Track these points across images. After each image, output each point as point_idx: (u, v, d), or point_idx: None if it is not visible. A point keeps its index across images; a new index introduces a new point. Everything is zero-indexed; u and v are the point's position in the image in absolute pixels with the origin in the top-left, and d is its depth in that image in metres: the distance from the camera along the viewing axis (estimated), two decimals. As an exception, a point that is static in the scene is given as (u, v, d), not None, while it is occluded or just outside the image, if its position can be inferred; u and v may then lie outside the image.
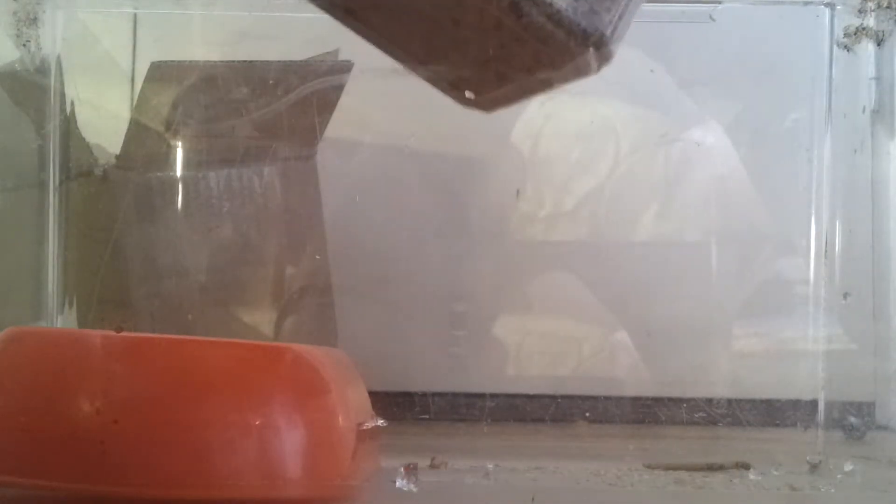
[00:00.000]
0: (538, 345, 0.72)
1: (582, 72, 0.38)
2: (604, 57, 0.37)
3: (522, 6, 0.35)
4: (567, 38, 0.36)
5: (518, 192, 0.71)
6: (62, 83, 0.70)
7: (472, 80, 0.42)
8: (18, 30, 0.69)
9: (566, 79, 0.39)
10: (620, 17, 0.37)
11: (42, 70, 0.69)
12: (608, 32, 0.36)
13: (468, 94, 0.43)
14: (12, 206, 0.70)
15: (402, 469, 0.45)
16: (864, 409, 0.69)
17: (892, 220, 0.70)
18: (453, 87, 0.43)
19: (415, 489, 0.44)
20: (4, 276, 0.69)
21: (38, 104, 0.70)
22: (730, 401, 0.70)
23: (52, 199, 0.69)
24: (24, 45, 0.69)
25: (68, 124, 0.70)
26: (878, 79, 0.70)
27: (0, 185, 0.70)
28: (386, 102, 0.73)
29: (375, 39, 0.42)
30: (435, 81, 0.43)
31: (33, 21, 0.69)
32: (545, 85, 0.41)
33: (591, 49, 0.36)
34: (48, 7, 0.69)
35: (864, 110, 0.70)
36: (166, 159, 0.69)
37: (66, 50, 0.70)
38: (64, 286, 0.69)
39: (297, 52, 0.69)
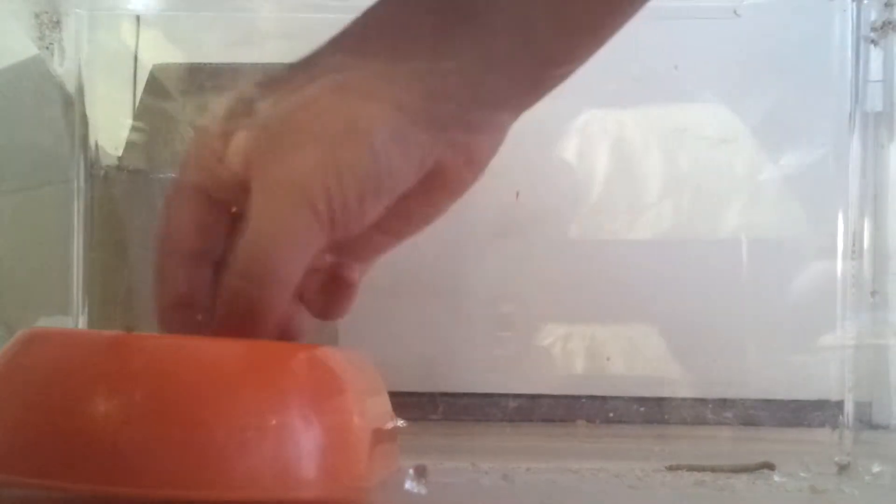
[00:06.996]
0: (558, 345, 0.71)
1: None
2: None
3: None
4: None
5: (517, 193, 0.71)
6: (83, 85, 0.70)
7: None
8: (41, 32, 0.69)
9: None
10: None
11: (64, 72, 0.70)
12: None
13: None
14: (38, 206, 0.70)
15: (412, 470, 0.44)
16: (892, 410, 0.68)
17: (920, 217, 0.69)
18: None
19: (423, 491, 0.43)
20: (31, 275, 0.70)
21: (62, 105, 0.70)
22: (756, 401, 0.69)
23: (77, 198, 0.70)
24: (48, 48, 0.69)
25: (86, 126, 0.70)
26: (907, 73, 0.69)
27: (25, 184, 0.70)
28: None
29: None
30: None
31: (56, 24, 0.69)
32: None
33: None
34: (71, 9, 0.70)
35: (892, 106, 0.69)
36: (175, 160, 0.69)
37: (87, 52, 0.70)
38: (88, 285, 0.70)
39: (301, 53, 0.69)
